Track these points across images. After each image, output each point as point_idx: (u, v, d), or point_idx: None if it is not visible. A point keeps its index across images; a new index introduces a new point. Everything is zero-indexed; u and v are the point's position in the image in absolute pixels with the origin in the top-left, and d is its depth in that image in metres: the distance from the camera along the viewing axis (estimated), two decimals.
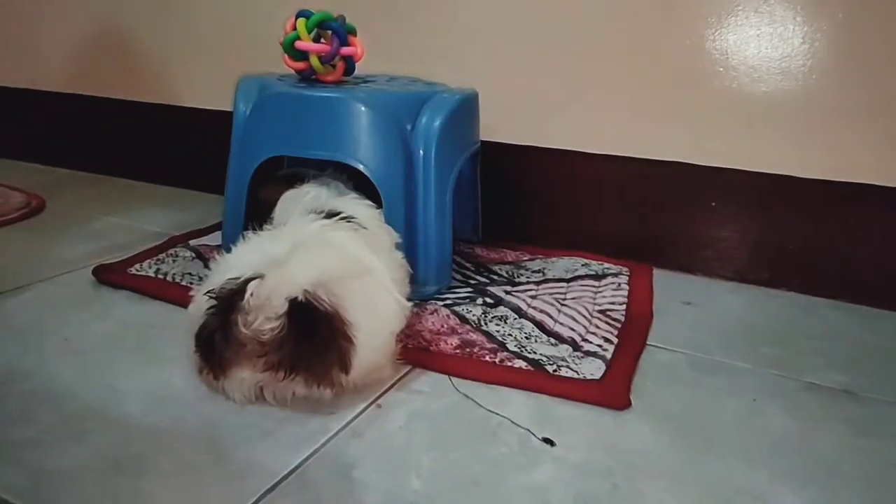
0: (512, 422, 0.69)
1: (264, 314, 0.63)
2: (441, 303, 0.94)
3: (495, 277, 1.05)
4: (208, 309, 0.66)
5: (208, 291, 0.67)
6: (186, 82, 1.51)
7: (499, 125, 1.19)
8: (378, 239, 0.81)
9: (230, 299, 0.65)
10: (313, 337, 0.64)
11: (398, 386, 0.75)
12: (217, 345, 0.65)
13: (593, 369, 0.78)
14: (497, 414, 0.70)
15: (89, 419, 0.67)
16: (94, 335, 0.84)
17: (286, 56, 0.96)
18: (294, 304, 0.63)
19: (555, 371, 0.77)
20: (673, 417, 0.71)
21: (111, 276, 1.00)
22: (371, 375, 0.72)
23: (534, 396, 0.74)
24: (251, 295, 0.62)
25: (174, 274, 1.01)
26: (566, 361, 0.80)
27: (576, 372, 0.77)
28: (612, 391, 0.74)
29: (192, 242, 1.15)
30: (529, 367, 0.78)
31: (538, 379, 0.76)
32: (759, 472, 0.63)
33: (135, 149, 1.61)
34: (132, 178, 1.61)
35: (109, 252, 1.12)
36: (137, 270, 1.02)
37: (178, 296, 0.93)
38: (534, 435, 0.67)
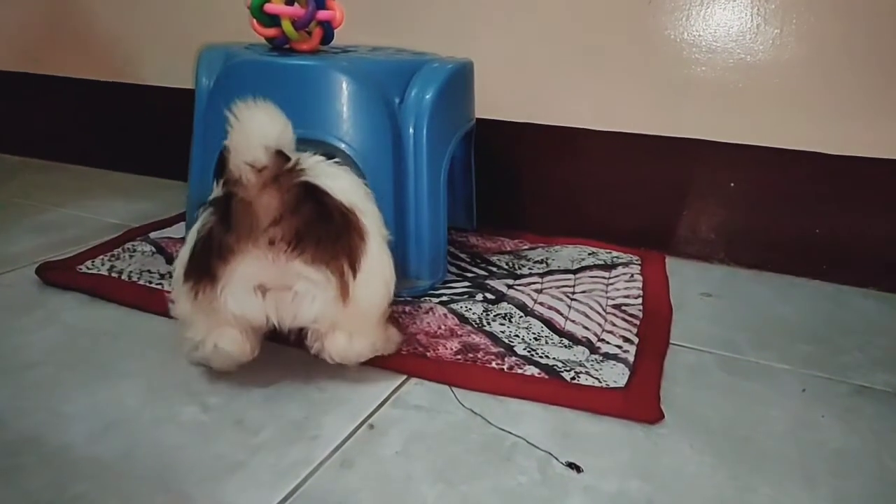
0: (528, 442, 0.59)
1: (250, 144, 0.56)
2: (436, 300, 0.83)
3: (494, 269, 0.94)
4: (205, 209, 0.60)
5: (201, 205, 0.61)
6: (147, 58, 1.37)
7: (494, 100, 1.07)
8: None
9: (228, 196, 0.58)
10: (326, 219, 0.59)
11: (392, 400, 0.65)
12: (216, 238, 0.58)
13: (615, 375, 0.68)
14: (510, 433, 0.60)
15: (21, 452, 0.55)
16: (34, 346, 0.72)
17: (254, 21, 0.84)
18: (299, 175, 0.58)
19: (573, 379, 0.67)
20: (712, 431, 0.62)
21: (58, 275, 0.87)
22: (366, 325, 0.63)
23: (550, 409, 0.64)
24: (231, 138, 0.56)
25: (131, 271, 0.89)
26: (584, 366, 0.69)
27: (596, 379, 0.67)
28: (640, 401, 0.64)
29: (153, 235, 1.03)
30: (543, 375, 0.68)
31: (554, 388, 0.66)
32: (823, 496, 0.54)
33: (91, 132, 1.46)
34: (88, 164, 1.47)
35: (59, 247, 0.99)
36: (89, 268, 0.90)
37: (135, 297, 0.82)
38: (556, 459, 0.57)
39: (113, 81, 1.40)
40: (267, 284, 0.59)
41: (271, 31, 0.85)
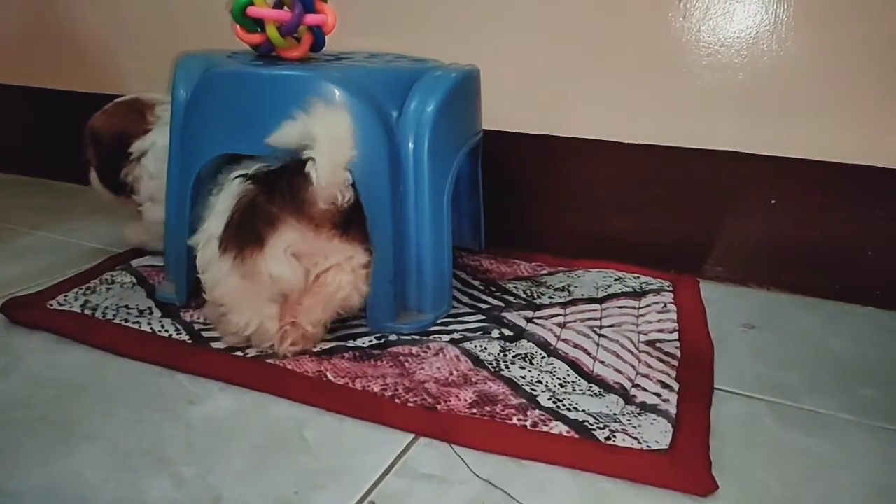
0: None
1: (335, 186, 0.64)
2: (447, 337, 0.74)
3: (511, 299, 0.85)
4: (246, 181, 0.65)
5: (240, 175, 0.67)
6: (131, 68, 1.28)
7: (504, 110, 0.98)
8: None
9: (274, 174, 0.65)
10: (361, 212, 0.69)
11: (397, 468, 0.55)
12: (259, 207, 0.64)
13: (657, 434, 0.58)
14: None
15: None
16: None
17: (237, 27, 0.76)
18: None
19: (607, 439, 0.58)
20: None
21: (26, 313, 0.78)
22: None
23: (582, 477, 0.54)
24: (315, 175, 0.62)
25: (106, 308, 0.80)
26: (619, 422, 0.60)
27: (635, 439, 0.58)
28: (688, 468, 0.54)
29: (135, 263, 0.94)
30: (573, 434, 0.58)
31: (586, 451, 0.56)
32: None
33: (72, 146, 1.37)
34: (70, 180, 1.38)
35: (33, 277, 0.90)
36: (60, 304, 0.81)
37: (107, 339, 0.73)
38: None
39: (97, 92, 1.31)
40: (301, 252, 0.65)
41: (255, 38, 0.76)
